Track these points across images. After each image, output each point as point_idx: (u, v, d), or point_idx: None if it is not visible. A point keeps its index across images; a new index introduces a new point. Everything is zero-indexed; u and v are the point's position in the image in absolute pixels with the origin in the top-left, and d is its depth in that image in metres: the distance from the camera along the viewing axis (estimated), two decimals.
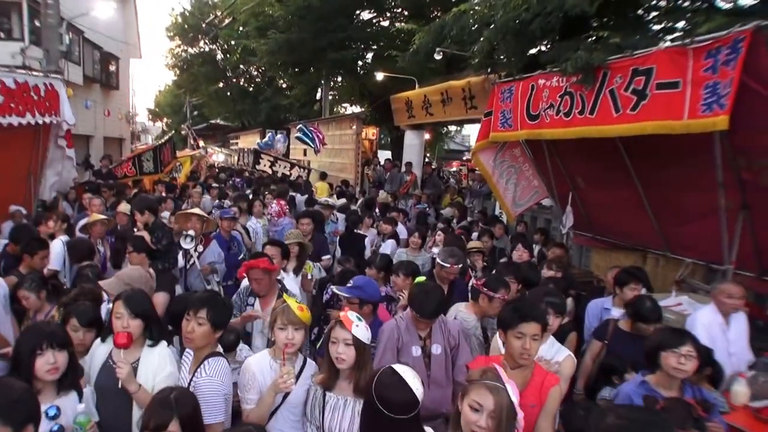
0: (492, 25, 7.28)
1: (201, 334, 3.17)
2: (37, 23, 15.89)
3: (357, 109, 25.26)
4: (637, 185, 6.58)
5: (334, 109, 25.63)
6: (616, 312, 4.99)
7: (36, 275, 4.68)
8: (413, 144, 17.19)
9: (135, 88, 26.55)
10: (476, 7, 7.86)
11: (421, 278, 4.46)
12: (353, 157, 17.17)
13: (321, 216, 8.70)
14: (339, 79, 22.76)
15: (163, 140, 15.42)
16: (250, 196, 11.16)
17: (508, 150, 8.23)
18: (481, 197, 11.95)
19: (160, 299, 4.67)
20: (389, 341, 3.82)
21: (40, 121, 7.95)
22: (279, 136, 20.49)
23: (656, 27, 7.30)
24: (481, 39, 7.47)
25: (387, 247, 8.32)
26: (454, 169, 30.28)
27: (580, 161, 7.28)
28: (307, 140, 17.27)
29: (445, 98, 14.56)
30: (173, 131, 21.05)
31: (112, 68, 25.29)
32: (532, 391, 3.10)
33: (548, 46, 7.85)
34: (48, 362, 2.80)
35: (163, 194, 11.35)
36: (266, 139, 19.78)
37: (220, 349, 3.38)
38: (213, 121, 40.72)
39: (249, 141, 30.79)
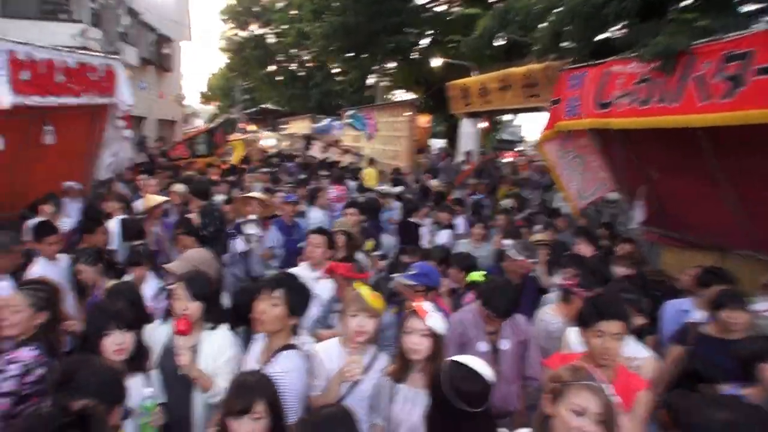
0: (560, 9, 6.97)
1: (273, 317, 3.00)
2: (94, 5, 16.14)
3: (409, 95, 25.11)
4: (720, 178, 6.14)
5: (385, 96, 25.47)
6: (697, 314, 4.58)
7: (92, 250, 4.78)
8: (469, 132, 16.91)
9: (184, 71, 26.98)
10: None
11: (478, 273, 4.48)
12: (406, 145, 16.95)
13: (375, 204, 8.62)
14: (392, 65, 22.57)
15: (216, 123, 15.71)
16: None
17: (574, 140, 7.87)
18: (541, 189, 11.61)
19: None
20: (452, 336, 3.72)
21: (98, 102, 8.06)
22: (336, 122, 20.39)
23: (745, 9, 6.87)
24: (547, 23, 7.17)
25: (443, 237, 8.17)
26: (511, 159, 29.85)
27: (656, 152, 6.87)
28: (358, 126, 17.16)
29: (505, 85, 14.23)
30: (226, 115, 21.27)
31: (166, 50, 25.53)
32: (617, 393, 2.86)
33: (622, 30, 7.49)
34: (115, 343, 2.83)
35: (215, 178, 11.32)
36: (323, 124, 19.70)
37: (296, 340, 3.17)
38: (263, 106, 41.15)
39: (299, 126, 30.88)
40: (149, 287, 4.71)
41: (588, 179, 8.15)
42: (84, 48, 11.98)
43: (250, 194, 7.29)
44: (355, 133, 20.75)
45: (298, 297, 3.07)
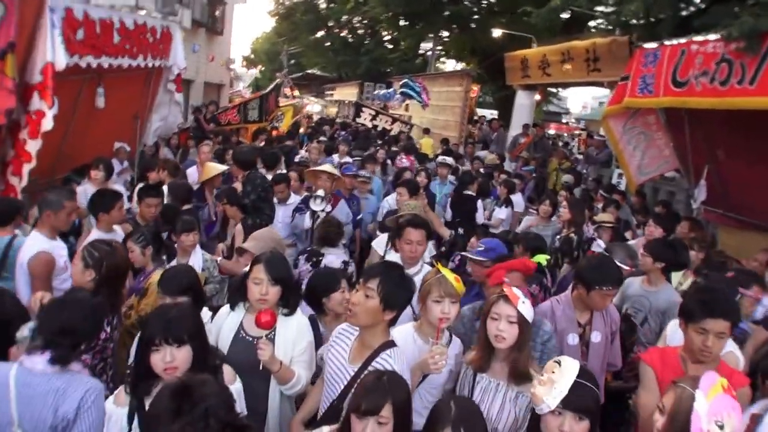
0: None
1: (366, 309, 2.69)
2: None
3: (459, 65, 25.07)
4: None
5: (435, 65, 25.52)
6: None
7: (149, 230, 4.61)
8: (524, 104, 16.94)
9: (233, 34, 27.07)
10: None
11: (543, 256, 4.17)
12: (459, 115, 17.13)
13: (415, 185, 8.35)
14: (446, 34, 22.58)
15: (269, 88, 15.36)
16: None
17: (641, 116, 8.06)
18: (597, 164, 11.78)
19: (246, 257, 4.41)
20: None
21: (152, 65, 7.93)
22: (391, 90, 20.46)
23: None
24: None
25: (501, 213, 8.21)
26: (565, 134, 29.62)
27: (724, 133, 7.06)
28: (414, 94, 17.33)
29: (566, 58, 14.28)
30: (278, 80, 21.41)
31: (218, 12, 24.92)
32: None
33: (702, 8, 7.60)
34: (164, 360, 2.38)
35: (261, 144, 11.24)
36: (384, 92, 19.85)
37: (392, 336, 2.90)
38: (309, 71, 41.40)
39: (346, 93, 31.19)
40: (196, 259, 4.68)
41: (651, 156, 8.35)
42: (138, 8, 11.62)
43: (321, 168, 6.96)
44: (406, 101, 21.00)
45: (394, 291, 2.72)
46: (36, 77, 5.27)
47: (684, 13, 7.77)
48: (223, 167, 7.10)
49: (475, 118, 18.31)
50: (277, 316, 3.01)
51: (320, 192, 6.05)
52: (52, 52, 5.24)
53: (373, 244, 5.54)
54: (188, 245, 4.67)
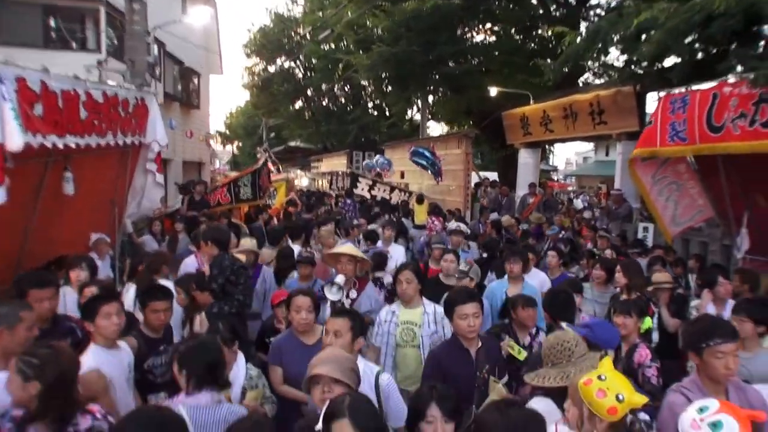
0: (659, 29, 7.29)
1: None
2: (113, 33, 15.68)
3: (445, 128, 25.43)
4: None
5: (425, 130, 25.98)
6: None
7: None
8: (528, 163, 17.23)
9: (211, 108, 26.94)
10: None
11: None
12: (462, 179, 17.28)
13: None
14: (435, 97, 23.03)
15: (260, 163, 14.83)
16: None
17: (671, 165, 8.15)
18: (620, 220, 11.83)
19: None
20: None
21: (127, 142, 7.20)
22: (383, 159, 20.65)
23: None
24: (649, 43, 7.49)
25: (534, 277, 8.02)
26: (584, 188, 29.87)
27: (764, 177, 7.16)
28: (426, 163, 17.40)
29: (569, 113, 14.64)
30: (258, 154, 21.38)
31: (193, 85, 24.54)
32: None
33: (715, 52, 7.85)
34: None
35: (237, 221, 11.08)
36: (373, 161, 20.07)
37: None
38: (291, 144, 41.90)
39: (334, 164, 31.47)
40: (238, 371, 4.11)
41: (685, 206, 8.38)
42: (101, 82, 10.33)
43: (339, 249, 6.22)
44: (401, 168, 21.15)
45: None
46: None
47: (700, 55, 7.96)
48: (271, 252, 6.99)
49: (477, 181, 18.45)
50: None
51: (339, 278, 5.38)
52: (2, 130, 4.42)
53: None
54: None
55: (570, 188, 46.70)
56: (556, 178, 46.86)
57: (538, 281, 6.72)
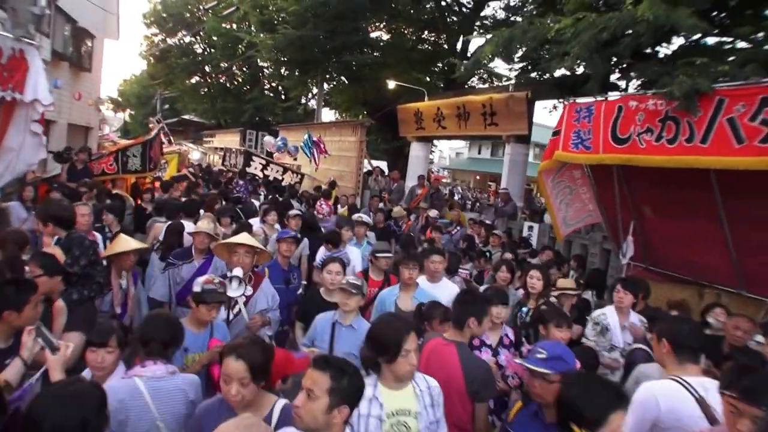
0: (577, 41, 7.09)
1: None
2: None
3: (336, 114, 24.86)
4: (721, 219, 6.36)
5: (320, 114, 25.31)
6: None
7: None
8: (418, 156, 17.04)
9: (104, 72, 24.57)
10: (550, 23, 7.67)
11: None
12: (355, 165, 16.76)
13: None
14: (333, 84, 22.45)
15: (153, 134, 13.52)
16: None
17: (568, 171, 8.03)
18: (506, 217, 11.74)
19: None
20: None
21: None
22: (291, 145, 19.41)
23: None
24: (568, 55, 7.27)
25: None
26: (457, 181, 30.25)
27: (654, 190, 7.09)
28: (306, 151, 16.69)
29: (462, 112, 14.47)
30: (151, 125, 19.70)
31: (86, 47, 21.28)
32: None
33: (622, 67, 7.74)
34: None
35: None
36: (278, 141, 18.90)
37: None
38: (185, 117, 39.81)
39: (227, 140, 30.04)
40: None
41: (576, 209, 8.38)
42: None
43: (235, 239, 4.97)
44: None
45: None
46: None
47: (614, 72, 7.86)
48: (136, 244, 5.17)
49: (369, 168, 17.98)
50: None
51: (237, 271, 4.54)
52: None
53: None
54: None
55: (444, 180, 47.37)
56: (434, 171, 47.38)
57: (448, 293, 5.03)
